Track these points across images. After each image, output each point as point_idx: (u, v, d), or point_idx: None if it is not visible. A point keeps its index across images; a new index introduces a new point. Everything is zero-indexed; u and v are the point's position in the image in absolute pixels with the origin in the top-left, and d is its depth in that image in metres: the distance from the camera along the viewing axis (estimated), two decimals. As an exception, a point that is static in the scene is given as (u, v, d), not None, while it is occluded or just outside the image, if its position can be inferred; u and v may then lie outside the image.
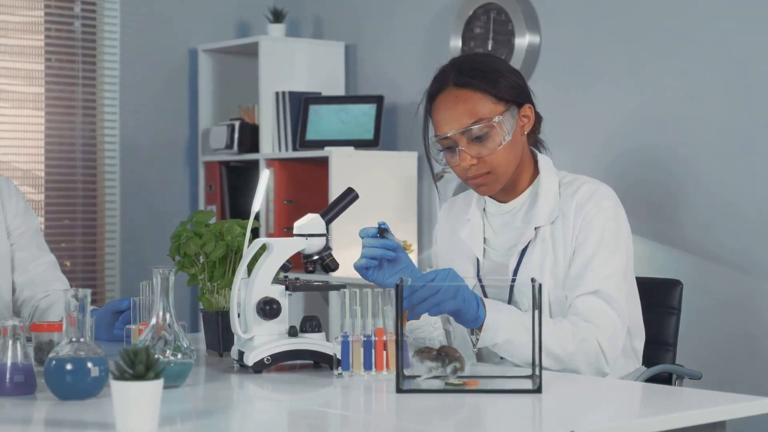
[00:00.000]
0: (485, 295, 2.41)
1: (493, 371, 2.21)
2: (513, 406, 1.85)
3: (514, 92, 2.39)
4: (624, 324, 2.31)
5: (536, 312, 1.92)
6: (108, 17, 4.88)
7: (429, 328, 2.44)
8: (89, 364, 1.83)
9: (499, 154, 2.37)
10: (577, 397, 2.01)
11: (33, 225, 2.88)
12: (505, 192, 2.46)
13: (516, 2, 4.26)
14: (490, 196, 2.48)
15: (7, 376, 1.89)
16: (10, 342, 1.91)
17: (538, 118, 2.48)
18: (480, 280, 2.44)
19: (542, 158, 2.49)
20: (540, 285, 1.92)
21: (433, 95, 2.42)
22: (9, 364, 1.90)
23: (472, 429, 1.74)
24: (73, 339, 1.84)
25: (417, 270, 2.32)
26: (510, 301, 2.38)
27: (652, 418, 1.76)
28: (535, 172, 2.48)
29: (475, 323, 2.18)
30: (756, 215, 3.60)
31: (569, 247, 2.37)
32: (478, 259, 2.47)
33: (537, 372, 1.93)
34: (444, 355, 1.98)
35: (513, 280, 2.38)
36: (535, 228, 2.40)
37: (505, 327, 2.19)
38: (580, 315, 2.28)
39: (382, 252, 2.27)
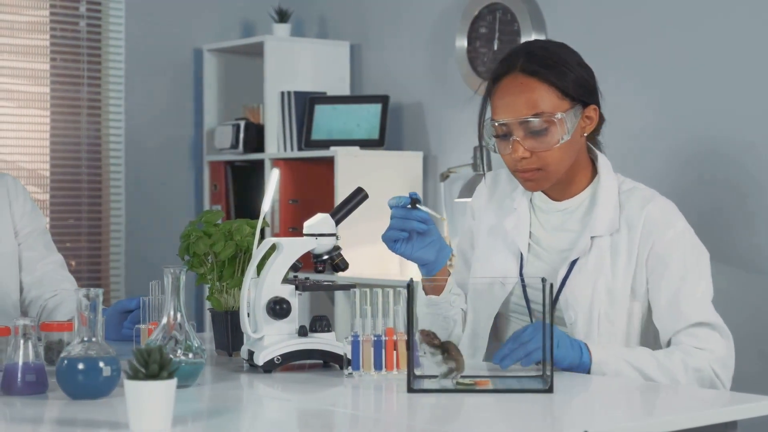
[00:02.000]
0: (527, 301, 2.34)
1: (504, 371, 2.20)
2: (525, 405, 1.85)
3: (581, 90, 2.29)
4: (732, 345, 2.25)
5: (546, 311, 1.92)
6: (113, 17, 4.88)
7: (446, 306, 2.35)
8: (101, 364, 1.83)
9: (554, 152, 2.26)
10: (588, 396, 2.01)
11: (40, 225, 2.88)
12: (559, 190, 2.36)
13: (522, 2, 4.26)
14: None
15: (19, 375, 1.89)
16: (22, 341, 1.91)
17: (601, 120, 2.37)
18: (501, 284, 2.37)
19: (602, 159, 2.38)
20: (551, 285, 1.92)
21: (497, 77, 2.30)
22: (20, 363, 1.90)
23: (485, 429, 1.74)
24: (85, 338, 1.84)
25: (446, 245, 2.28)
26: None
27: (665, 418, 1.76)
28: (593, 172, 2.38)
29: (579, 368, 2.14)
30: (759, 212, 3.60)
31: (632, 263, 2.27)
32: (522, 254, 2.37)
33: (548, 372, 1.92)
34: (444, 350, 1.97)
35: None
36: (591, 237, 2.30)
37: (613, 370, 2.14)
38: (690, 344, 2.22)
39: (413, 224, 2.21)
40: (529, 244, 2.37)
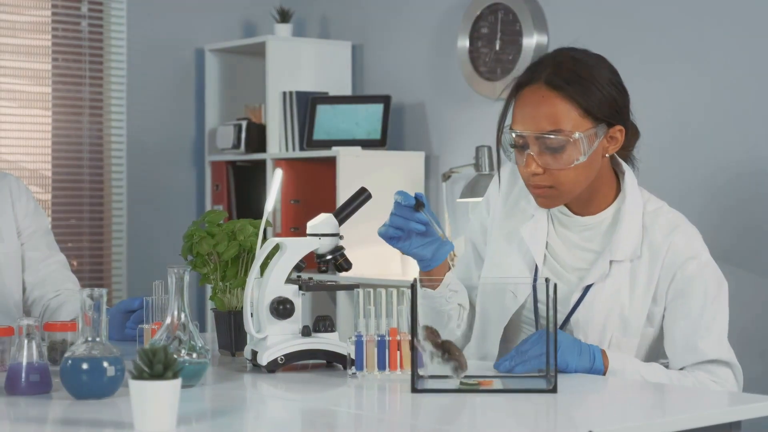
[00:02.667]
0: (536, 316, 2.29)
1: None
2: (529, 405, 1.85)
3: (607, 110, 2.18)
4: (742, 383, 2.22)
5: (551, 312, 1.92)
6: (115, 17, 4.88)
7: (441, 300, 2.28)
8: (105, 364, 1.83)
9: (569, 172, 2.17)
10: (592, 396, 2.00)
11: (43, 224, 2.88)
12: (580, 204, 2.27)
13: (523, 2, 4.26)
14: None
15: (23, 375, 1.89)
16: (26, 341, 1.90)
17: (635, 136, 2.29)
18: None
19: (629, 176, 2.28)
20: (555, 285, 1.92)
21: (521, 85, 2.21)
22: (24, 363, 1.89)
23: (490, 429, 1.74)
24: (89, 338, 1.84)
25: (446, 242, 2.21)
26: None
27: (670, 418, 1.76)
28: (618, 188, 2.28)
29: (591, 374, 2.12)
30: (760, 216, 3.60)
31: (650, 292, 2.21)
32: (536, 266, 2.29)
33: (552, 372, 1.92)
34: (445, 349, 1.96)
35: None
36: (610, 261, 2.22)
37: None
38: (704, 377, 2.19)
39: (411, 224, 2.16)
40: (545, 255, 2.30)
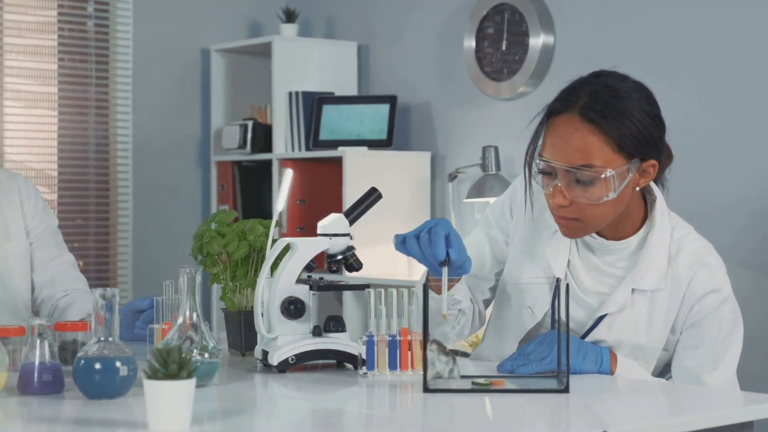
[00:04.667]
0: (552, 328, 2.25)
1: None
2: (541, 405, 1.85)
3: (641, 146, 2.08)
4: None
5: (562, 312, 1.92)
6: (121, 17, 4.88)
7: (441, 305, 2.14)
8: (118, 363, 1.83)
9: (596, 207, 2.09)
10: (604, 396, 2.00)
11: (52, 224, 2.88)
12: (607, 229, 2.20)
13: (530, 2, 4.26)
14: None
15: (35, 375, 1.89)
16: (38, 341, 1.91)
17: (669, 159, 2.20)
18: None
19: (659, 204, 2.20)
20: (567, 284, 1.92)
21: (553, 112, 2.11)
22: (37, 363, 1.90)
23: (505, 429, 1.74)
24: (101, 338, 1.84)
25: (463, 270, 2.12)
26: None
27: (683, 418, 1.76)
28: (645, 213, 2.21)
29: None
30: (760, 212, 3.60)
31: (669, 323, 2.17)
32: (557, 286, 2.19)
33: (563, 372, 1.92)
34: (453, 358, 1.97)
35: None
36: (632, 288, 2.17)
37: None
38: None
39: (427, 264, 2.08)
40: (566, 273, 2.23)
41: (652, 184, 2.21)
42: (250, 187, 4.94)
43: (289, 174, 2.26)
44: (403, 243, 2.10)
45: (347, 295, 4.39)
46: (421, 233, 2.07)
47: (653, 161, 2.12)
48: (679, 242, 2.19)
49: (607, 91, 2.09)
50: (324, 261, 2.23)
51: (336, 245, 2.20)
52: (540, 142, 2.14)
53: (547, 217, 2.24)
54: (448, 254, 2.04)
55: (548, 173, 2.11)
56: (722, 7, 3.75)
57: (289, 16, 4.95)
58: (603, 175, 2.06)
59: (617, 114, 2.07)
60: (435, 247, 2.03)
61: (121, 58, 4.89)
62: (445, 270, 2.04)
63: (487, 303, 2.42)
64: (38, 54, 4.74)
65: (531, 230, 2.30)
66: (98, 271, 4.87)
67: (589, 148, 2.06)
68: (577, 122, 2.07)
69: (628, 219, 2.19)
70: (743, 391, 2.15)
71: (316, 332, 2.16)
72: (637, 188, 2.14)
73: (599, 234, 2.21)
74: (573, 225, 2.14)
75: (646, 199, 2.23)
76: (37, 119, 4.73)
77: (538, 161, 2.12)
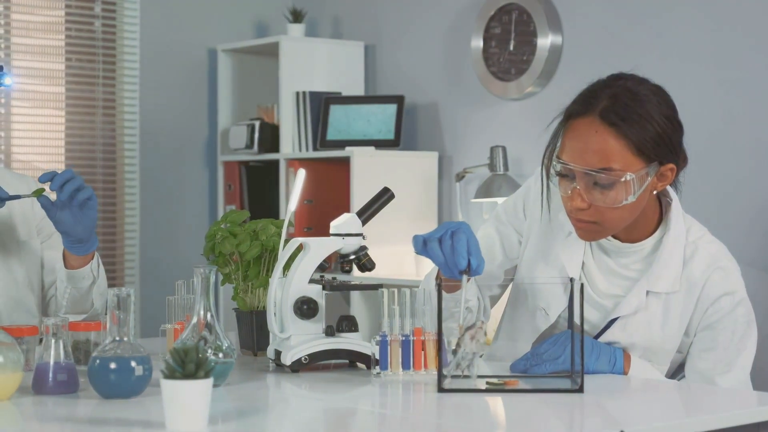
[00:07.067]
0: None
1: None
2: (556, 405, 1.85)
3: (660, 149, 2.08)
4: None
5: (576, 311, 1.92)
6: (128, 17, 4.88)
7: (452, 304, 2.17)
8: (133, 363, 1.83)
9: (614, 210, 2.08)
10: (619, 396, 2.00)
11: (61, 225, 2.88)
12: (622, 231, 2.19)
13: (537, 2, 4.26)
14: None
15: (50, 374, 1.89)
16: (53, 341, 1.91)
17: (684, 162, 2.17)
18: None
19: (675, 206, 2.20)
20: (582, 285, 1.92)
21: (573, 114, 2.11)
22: (52, 362, 1.90)
23: (519, 429, 1.74)
24: (116, 338, 1.85)
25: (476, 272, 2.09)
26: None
27: (698, 417, 1.76)
28: (661, 215, 2.21)
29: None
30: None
31: (683, 324, 2.18)
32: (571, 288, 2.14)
33: (577, 371, 1.92)
34: (481, 349, 1.96)
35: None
36: (647, 290, 2.17)
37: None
38: None
39: (446, 271, 2.05)
40: (580, 276, 2.23)
41: (669, 189, 2.21)
42: (257, 187, 4.94)
43: (301, 174, 2.26)
44: (424, 246, 2.07)
45: (355, 294, 4.39)
46: (443, 237, 2.04)
47: (671, 165, 2.12)
48: (694, 245, 2.20)
49: (627, 94, 2.09)
50: (334, 261, 2.23)
51: (349, 245, 2.20)
52: (558, 144, 2.13)
53: (562, 218, 2.24)
54: (469, 262, 2.02)
55: (566, 176, 2.11)
56: (732, 8, 3.74)
57: (296, 16, 4.95)
58: (623, 179, 2.05)
59: (638, 117, 2.06)
60: (458, 255, 2.01)
61: (128, 58, 4.89)
62: (464, 278, 2.02)
63: (493, 299, 2.41)
64: (45, 54, 4.74)
65: (546, 232, 2.29)
66: (105, 270, 4.85)
67: (609, 151, 2.05)
68: (598, 125, 2.07)
69: (644, 221, 2.19)
70: (756, 391, 2.15)
71: (329, 332, 2.16)
72: (655, 192, 2.14)
73: (614, 236, 2.21)
74: (590, 228, 2.13)
75: (661, 202, 2.23)
76: (45, 119, 4.73)
77: (555, 163, 2.12)
